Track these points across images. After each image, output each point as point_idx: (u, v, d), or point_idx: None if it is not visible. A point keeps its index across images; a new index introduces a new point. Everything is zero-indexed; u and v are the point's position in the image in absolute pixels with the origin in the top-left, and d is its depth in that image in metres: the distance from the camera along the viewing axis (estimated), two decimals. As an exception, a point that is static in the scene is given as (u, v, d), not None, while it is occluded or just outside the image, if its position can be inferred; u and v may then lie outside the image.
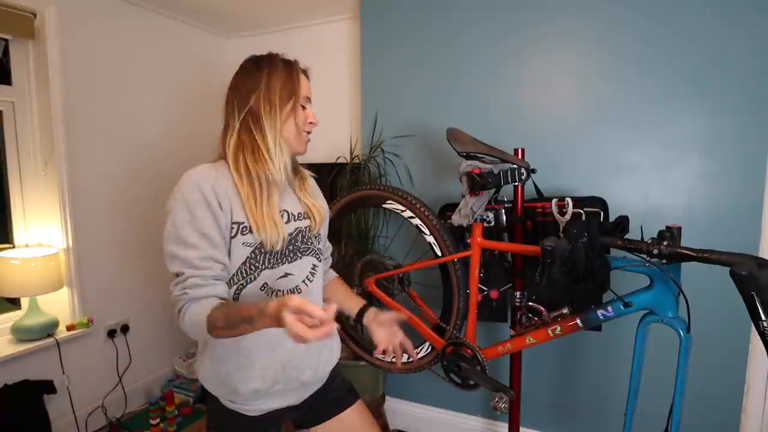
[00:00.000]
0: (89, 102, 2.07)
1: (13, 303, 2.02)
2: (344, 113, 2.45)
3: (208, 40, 2.65)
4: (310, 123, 1.04)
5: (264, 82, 0.97)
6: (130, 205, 2.27)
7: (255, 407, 1.01)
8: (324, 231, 1.15)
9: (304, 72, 1.05)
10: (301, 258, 1.03)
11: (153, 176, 2.34)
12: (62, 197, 1.95)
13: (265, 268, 0.97)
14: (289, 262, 1.01)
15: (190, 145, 2.52)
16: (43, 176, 1.98)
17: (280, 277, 0.99)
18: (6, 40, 1.85)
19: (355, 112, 2.38)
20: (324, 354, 1.08)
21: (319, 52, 2.47)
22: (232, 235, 0.93)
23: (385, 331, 1.17)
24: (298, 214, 1.05)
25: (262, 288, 0.97)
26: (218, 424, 1.06)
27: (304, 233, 1.05)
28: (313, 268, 1.06)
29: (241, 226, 0.93)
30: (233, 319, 0.81)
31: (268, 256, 0.97)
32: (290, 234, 1.02)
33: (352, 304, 1.22)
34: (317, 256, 1.08)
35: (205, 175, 0.92)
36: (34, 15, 1.86)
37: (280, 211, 1.01)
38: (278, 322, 0.73)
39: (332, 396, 1.15)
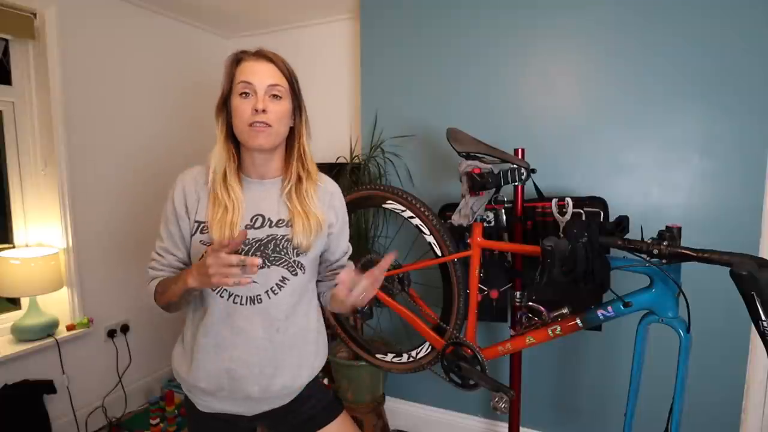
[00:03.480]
0: (89, 102, 2.07)
1: (13, 303, 2.02)
2: (344, 113, 2.45)
3: (208, 40, 2.65)
4: (255, 111, 0.92)
5: None
6: (131, 204, 2.27)
7: (203, 404, 1.03)
8: (317, 244, 1.03)
9: (263, 57, 0.97)
10: (268, 267, 0.97)
11: (153, 176, 2.34)
12: (62, 197, 1.95)
13: None
14: None
15: (190, 144, 2.52)
16: (43, 176, 1.98)
17: None
18: (6, 40, 1.85)
19: (355, 112, 2.38)
20: (280, 378, 1.00)
21: (319, 52, 2.47)
22: (192, 232, 0.98)
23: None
24: (278, 221, 0.99)
25: (214, 289, 0.96)
26: (186, 408, 1.12)
27: (278, 242, 0.98)
28: (281, 281, 0.98)
29: (201, 225, 0.97)
30: (167, 283, 0.96)
31: None
32: (260, 240, 0.97)
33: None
34: (291, 269, 0.99)
35: (184, 177, 1.01)
36: (34, 15, 1.86)
37: (254, 216, 0.98)
38: (192, 276, 0.87)
39: (306, 414, 1.09)
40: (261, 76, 0.95)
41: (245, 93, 0.94)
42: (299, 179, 1.01)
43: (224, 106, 0.99)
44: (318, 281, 1.14)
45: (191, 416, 1.09)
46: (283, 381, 1.01)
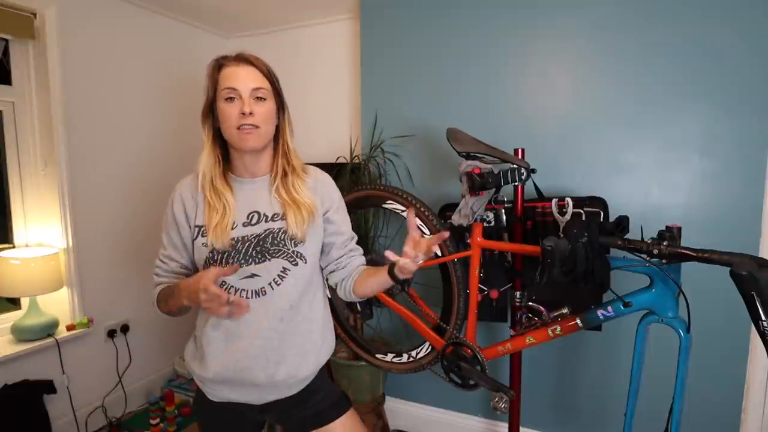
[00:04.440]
0: (89, 102, 2.06)
1: (13, 303, 2.02)
2: (344, 113, 2.45)
3: (208, 40, 2.65)
4: (242, 114, 0.96)
5: None
6: (130, 205, 2.27)
7: (212, 393, 1.06)
8: (311, 233, 1.04)
9: (244, 61, 1.00)
10: (269, 260, 1.01)
11: (153, 176, 2.34)
12: (62, 197, 1.95)
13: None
14: (255, 263, 1.00)
15: (190, 144, 2.52)
16: (43, 176, 1.98)
17: (245, 277, 1.00)
18: (6, 40, 1.85)
19: (355, 112, 2.38)
20: (285, 366, 1.02)
21: (319, 52, 2.47)
22: (194, 237, 1.02)
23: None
24: (273, 215, 1.03)
25: (222, 285, 0.99)
26: (195, 401, 1.15)
27: (275, 235, 1.02)
28: (282, 271, 1.01)
29: (201, 229, 1.01)
30: (166, 294, 1.02)
31: (226, 256, 0.99)
32: (258, 235, 1.01)
33: (379, 274, 1.04)
34: (291, 259, 1.02)
35: (181, 185, 1.05)
36: (34, 15, 1.86)
37: (250, 213, 1.02)
38: (187, 298, 0.93)
39: (313, 409, 1.11)
40: (244, 80, 0.98)
41: (230, 98, 0.97)
42: (285, 174, 1.05)
43: (210, 112, 1.02)
44: (332, 271, 1.14)
45: (201, 407, 1.12)
46: (288, 369, 1.03)
